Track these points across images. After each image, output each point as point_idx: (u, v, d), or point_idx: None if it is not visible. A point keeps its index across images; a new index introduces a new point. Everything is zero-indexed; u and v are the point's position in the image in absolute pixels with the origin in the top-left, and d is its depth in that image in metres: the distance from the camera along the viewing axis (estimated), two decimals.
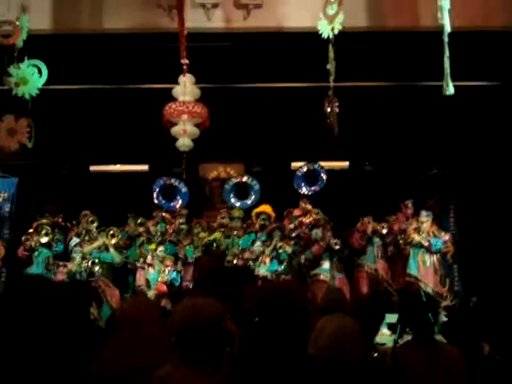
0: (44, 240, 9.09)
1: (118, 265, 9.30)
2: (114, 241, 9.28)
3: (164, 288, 9.09)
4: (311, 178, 10.66)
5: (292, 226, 10.07)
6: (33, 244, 9.05)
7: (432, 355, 3.49)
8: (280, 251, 9.51)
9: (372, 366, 2.18)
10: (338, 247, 9.45)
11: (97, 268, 8.86)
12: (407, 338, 3.79)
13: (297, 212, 10.44)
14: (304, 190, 10.63)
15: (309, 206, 10.28)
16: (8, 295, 1.82)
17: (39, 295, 1.77)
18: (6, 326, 1.69)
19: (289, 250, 9.54)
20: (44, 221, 9.35)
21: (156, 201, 10.52)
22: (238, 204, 10.87)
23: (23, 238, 9.21)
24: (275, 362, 2.72)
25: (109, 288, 9.01)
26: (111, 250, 9.22)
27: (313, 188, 10.60)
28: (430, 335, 3.65)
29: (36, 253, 9.05)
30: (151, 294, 8.95)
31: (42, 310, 1.73)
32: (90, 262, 8.85)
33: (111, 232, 9.32)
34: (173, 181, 10.63)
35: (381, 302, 3.98)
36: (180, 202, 10.56)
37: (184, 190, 10.63)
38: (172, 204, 10.56)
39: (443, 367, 3.49)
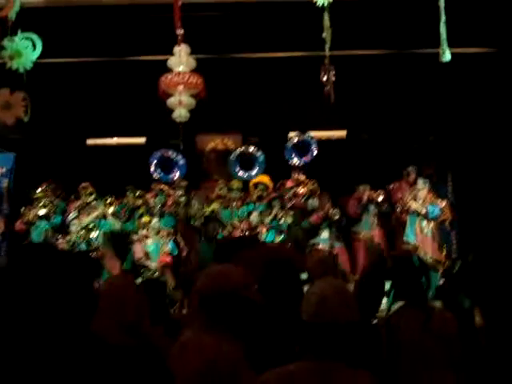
0: (42, 212, 9.10)
1: (118, 232, 9.31)
2: (111, 209, 9.29)
3: (168, 259, 9.12)
4: (302, 148, 10.66)
5: (287, 197, 10.08)
6: (30, 217, 9.07)
7: (425, 319, 3.53)
8: (281, 222, 9.52)
9: (360, 328, 2.20)
10: (337, 217, 9.48)
11: (95, 234, 8.87)
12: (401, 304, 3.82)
13: (289, 183, 10.45)
14: (295, 161, 10.64)
15: (302, 177, 10.29)
16: (15, 263, 1.79)
17: (47, 262, 1.76)
18: (16, 294, 1.69)
19: (289, 220, 9.55)
20: (41, 194, 9.35)
21: (153, 173, 10.52)
22: (245, 175, 10.85)
23: (22, 210, 9.23)
24: (272, 327, 2.77)
25: (109, 259, 9.07)
26: (109, 217, 9.22)
27: (304, 158, 10.61)
28: (423, 299, 3.68)
29: (34, 226, 9.07)
30: (154, 265, 8.99)
31: (51, 277, 1.72)
32: (86, 230, 8.86)
33: (108, 200, 9.33)
34: (170, 153, 10.62)
35: (382, 269, 3.99)
36: (177, 174, 10.57)
37: (181, 162, 10.63)
38: (170, 176, 10.56)
39: (436, 331, 3.53)
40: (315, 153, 10.54)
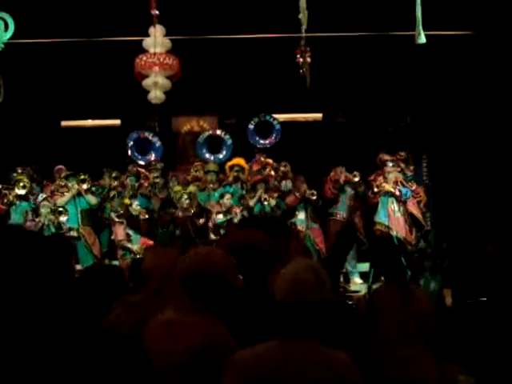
0: (21, 192, 8.98)
1: (95, 206, 9.24)
2: (85, 186, 9.17)
3: (150, 241, 9.03)
4: (265, 130, 10.70)
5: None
6: (10, 198, 8.96)
7: (404, 297, 3.60)
8: (265, 203, 9.46)
9: (331, 307, 2.23)
10: (314, 197, 9.48)
11: (64, 218, 8.76)
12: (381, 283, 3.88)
13: (255, 166, 10.45)
14: (260, 144, 10.68)
15: (269, 160, 10.32)
16: None
17: (21, 245, 1.74)
18: None
19: (273, 202, 9.50)
20: (20, 176, 9.25)
21: (130, 155, 10.43)
22: (211, 158, 10.79)
23: (1, 191, 9.11)
24: (251, 310, 2.79)
25: (90, 236, 9.04)
26: (84, 194, 9.12)
27: (268, 140, 10.67)
28: (403, 278, 3.76)
29: (14, 206, 8.97)
30: (136, 248, 8.88)
31: (25, 260, 1.70)
32: (56, 213, 8.74)
33: (81, 177, 9.20)
34: (146, 134, 10.55)
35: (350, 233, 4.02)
36: (154, 155, 10.50)
37: (158, 143, 10.57)
38: (146, 158, 10.49)
39: (415, 308, 3.62)
40: (278, 135, 10.60)
